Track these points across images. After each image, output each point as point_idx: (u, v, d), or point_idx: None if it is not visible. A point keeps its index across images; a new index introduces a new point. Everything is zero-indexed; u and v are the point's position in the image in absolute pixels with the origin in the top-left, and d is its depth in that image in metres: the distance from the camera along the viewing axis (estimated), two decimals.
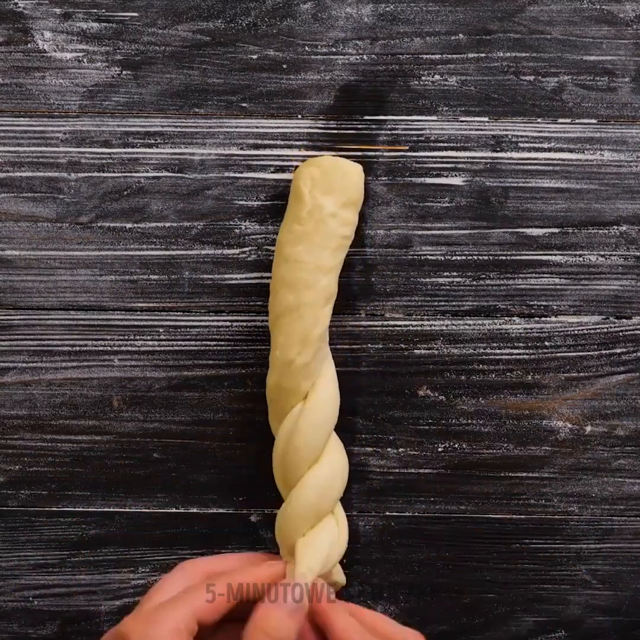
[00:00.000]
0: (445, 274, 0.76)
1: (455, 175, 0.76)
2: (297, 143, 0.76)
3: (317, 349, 0.70)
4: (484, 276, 0.76)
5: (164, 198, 0.76)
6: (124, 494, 0.76)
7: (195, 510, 0.77)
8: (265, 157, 0.76)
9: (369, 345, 0.76)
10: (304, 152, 0.76)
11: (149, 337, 0.76)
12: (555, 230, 0.76)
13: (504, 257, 0.76)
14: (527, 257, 0.76)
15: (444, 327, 0.76)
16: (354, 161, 0.74)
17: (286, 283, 0.70)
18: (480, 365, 0.76)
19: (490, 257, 0.76)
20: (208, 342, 0.76)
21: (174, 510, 0.77)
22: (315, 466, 0.70)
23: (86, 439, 0.76)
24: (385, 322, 0.76)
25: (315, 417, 0.70)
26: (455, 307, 0.76)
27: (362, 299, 0.76)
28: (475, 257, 0.76)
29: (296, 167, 0.75)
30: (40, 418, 0.76)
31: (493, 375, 0.76)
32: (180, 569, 0.65)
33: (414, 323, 0.76)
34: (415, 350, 0.76)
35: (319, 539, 0.69)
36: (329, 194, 0.70)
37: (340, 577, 0.72)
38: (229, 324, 0.76)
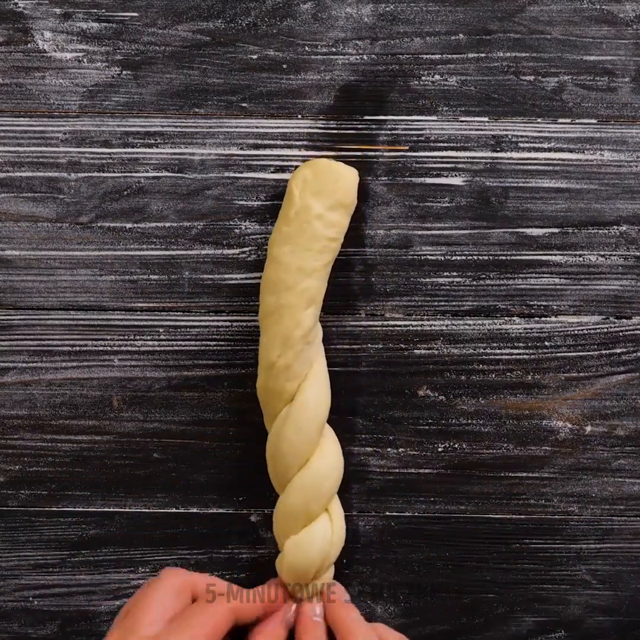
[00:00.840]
0: (445, 274, 0.76)
1: (455, 175, 0.76)
2: (297, 143, 0.76)
3: (299, 351, 0.70)
4: (484, 276, 0.76)
5: (164, 198, 0.76)
6: (124, 494, 0.76)
7: (195, 510, 0.77)
8: (265, 157, 0.76)
9: (369, 345, 0.76)
10: (304, 152, 0.76)
11: (149, 337, 0.76)
12: (555, 230, 0.76)
13: (504, 257, 0.76)
14: (527, 257, 0.76)
15: (444, 327, 0.76)
16: (354, 161, 0.74)
17: (270, 284, 0.71)
18: (480, 365, 0.76)
19: (490, 257, 0.76)
20: (208, 342, 0.76)
21: (174, 510, 0.77)
22: (302, 469, 0.70)
23: (86, 439, 0.76)
24: (385, 322, 0.76)
25: (300, 421, 0.70)
26: (455, 307, 0.76)
27: (362, 299, 0.76)
28: (475, 257, 0.76)
29: (296, 167, 0.75)
30: (40, 418, 0.76)
31: (493, 375, 0.76)
32: (164, 579, 0.66)
33: (414, 323, 0.76)
34: (415, 350, 0.76)
35: (308, 538, 0.70)
36: (318, 195, 0.70)
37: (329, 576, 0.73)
38: (229, 324, 0.76)
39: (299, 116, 0.76)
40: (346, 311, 0.76)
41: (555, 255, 0.76)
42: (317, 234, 0.70)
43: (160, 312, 0.76)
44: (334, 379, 0.73)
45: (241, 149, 0.76)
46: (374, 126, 0.76)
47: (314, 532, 0.70)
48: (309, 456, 0.71)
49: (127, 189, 0.76)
